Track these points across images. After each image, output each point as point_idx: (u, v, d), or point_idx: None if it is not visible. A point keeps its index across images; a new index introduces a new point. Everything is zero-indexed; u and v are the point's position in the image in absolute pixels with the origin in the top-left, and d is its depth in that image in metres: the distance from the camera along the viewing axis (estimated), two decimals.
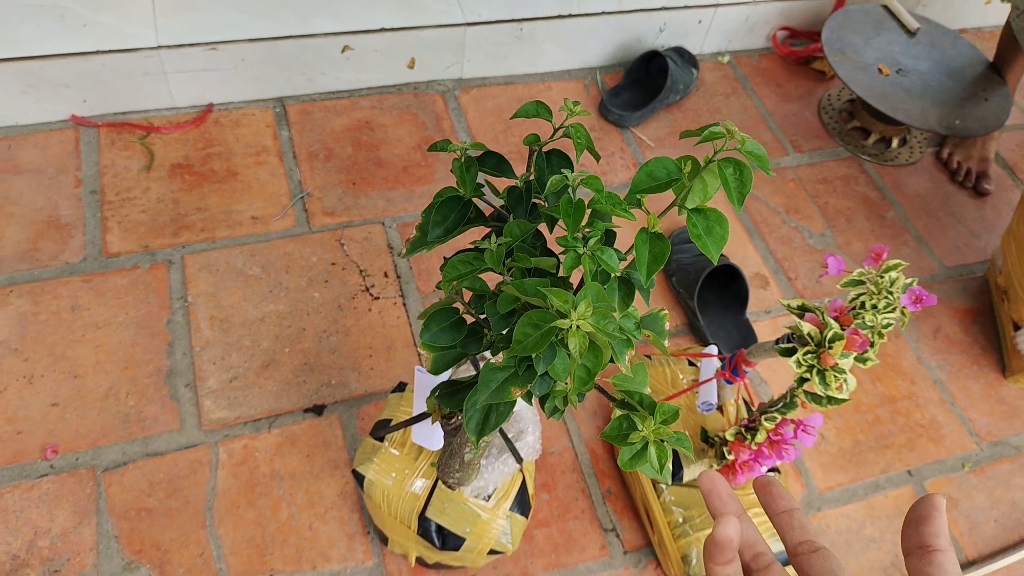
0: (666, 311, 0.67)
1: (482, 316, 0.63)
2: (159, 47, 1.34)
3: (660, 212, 0.59)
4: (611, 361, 0.62)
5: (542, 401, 0.63)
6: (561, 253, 0.58)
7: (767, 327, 1.37)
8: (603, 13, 1.60)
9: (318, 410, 1.16)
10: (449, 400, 0.65)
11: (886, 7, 1.72)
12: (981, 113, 1.56)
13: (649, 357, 1.18)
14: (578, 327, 0.47)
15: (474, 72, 1.61)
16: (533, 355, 0.54)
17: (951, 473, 1.28)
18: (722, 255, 1.40)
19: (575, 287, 0.61)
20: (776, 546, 0.99)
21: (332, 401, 1.18)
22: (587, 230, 0.55)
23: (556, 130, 0.60)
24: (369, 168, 1.45)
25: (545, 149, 0.60)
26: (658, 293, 1.38)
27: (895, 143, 1.69)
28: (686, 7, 1.66)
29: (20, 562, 1.00)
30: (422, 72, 1.57)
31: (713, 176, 0.57)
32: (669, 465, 0.58)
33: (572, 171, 0.60)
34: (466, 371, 0.90)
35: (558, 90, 1.65)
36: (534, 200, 0.61)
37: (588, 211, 0.54)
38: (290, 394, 1.17)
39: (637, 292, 0.62)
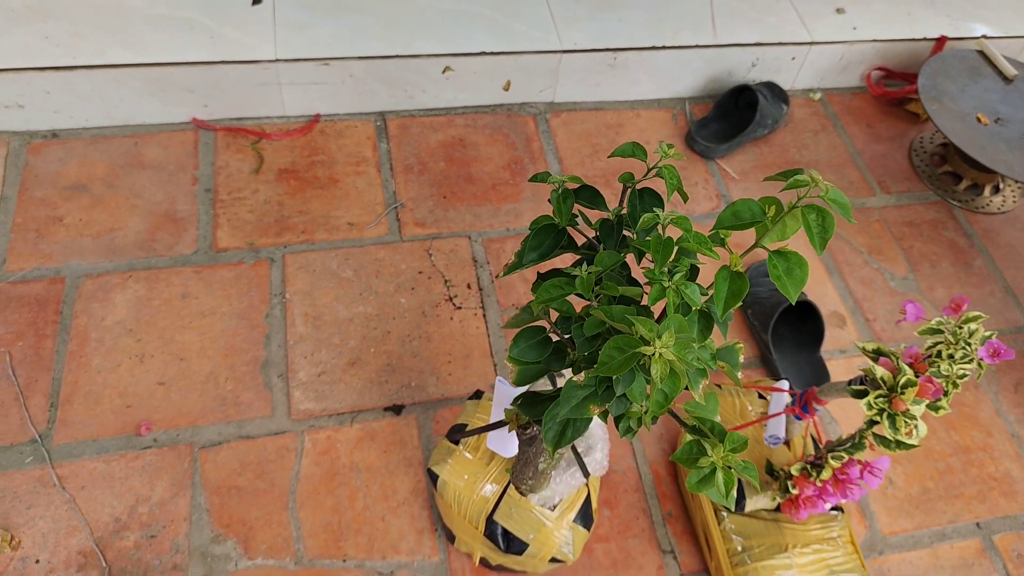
0: (741, 344, 0.70)
1: (567, 336, 0.68)
2: (276, 60, 1.44)
3: (743, 252, 0.63)
4: (685, 388, 0.66)
5: (617, 421, 0.67)
6: (646, 284, 0.62)
7: (841, 366, 1.37)
8: (696, 46, 1.64)
9: (397, 410, 1.23)
10: (530, 410, 0.70)
11: (982, 52, 1.70)
12: None
13: (719, 387, 1.21)
14: (660, 355, 0.51)
15: (566, 96, 1.67)
16: (613, 377, 0.59)
17: (1023, 530, 1.25)
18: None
19: (656, 316, 0.65)
20: None
21: (411, 402, 1.24)
22: (673, 265, 0.59)
23: (649, 170, 0.64)
24: (460, 184, 1.52)
25: (638, 187, 0.65)
26: (733, 324, 1.39)
27: (987, 191, 1.66)
28: (780, 44, 1.68)
29: (121, 525, 1.09)
30: (516, 94, 1.64)
31: (794, 220, 0.60)
32: (734, 492, 0.61)
33: (663, 210, 0.64)
34: (542, 384, 0.95)
35: (647, 118, 1.69)
36: (624, 233, 0.66)
37: (675, 248, 0.59)
38: (372, 392, 1.24)
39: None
